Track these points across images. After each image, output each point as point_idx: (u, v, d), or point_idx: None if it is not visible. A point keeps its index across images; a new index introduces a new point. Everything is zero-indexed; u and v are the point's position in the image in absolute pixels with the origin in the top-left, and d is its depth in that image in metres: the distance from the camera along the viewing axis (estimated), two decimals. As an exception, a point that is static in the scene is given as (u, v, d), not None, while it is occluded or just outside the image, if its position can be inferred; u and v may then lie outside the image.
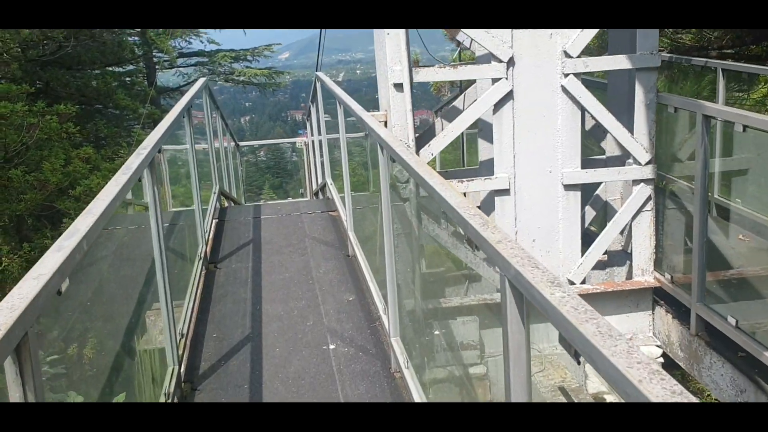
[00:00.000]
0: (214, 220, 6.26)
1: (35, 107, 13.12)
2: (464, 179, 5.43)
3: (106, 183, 2.37)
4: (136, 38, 20.24)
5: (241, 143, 12.73)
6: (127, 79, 19.57)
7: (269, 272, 5.01)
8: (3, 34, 12.98)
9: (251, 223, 6.33)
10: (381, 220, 3.40)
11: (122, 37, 18.54)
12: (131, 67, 20.22)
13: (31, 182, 12.89)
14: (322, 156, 8.82)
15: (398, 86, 5.12)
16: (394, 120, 5.17)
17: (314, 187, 11.32)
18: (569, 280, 5.50)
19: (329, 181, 7.20)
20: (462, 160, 8.16)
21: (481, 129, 5.86)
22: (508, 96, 5.26)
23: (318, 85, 7.64)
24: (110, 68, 18.53)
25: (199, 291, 4.60)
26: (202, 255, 4.96)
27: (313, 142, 11.22)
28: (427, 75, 5.33)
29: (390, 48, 5.08)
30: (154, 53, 20.62)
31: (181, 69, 23.09)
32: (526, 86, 5.26)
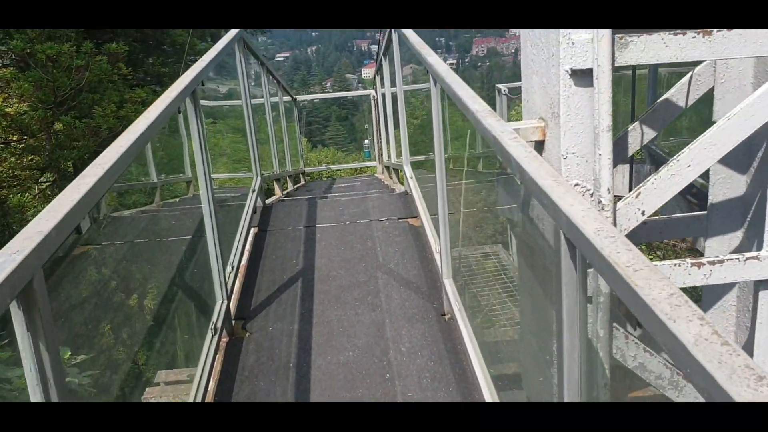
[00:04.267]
0: (252, 230, 4.58)
1: (83, 48, 11.97)
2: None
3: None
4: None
5: (299, 97, 10.79)
6: (185, 12, 18.10)
7: (323, 348, 3.26)
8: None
9: (302, 236, 4.62)
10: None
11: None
12: (189, -2, 18.73)
13: (82, 129, 11.87)
14: (396, 119, 6.91)
15: (581, 75, 2.29)
16: (565, 144, 2.37)
17: (384, 155, 9.47)
18: None
19: (408, 172, 5.31)
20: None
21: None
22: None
23: (394, 37, 5.42)
24: (166, 1, 17.11)
25: (211, 384, 2.93)
26: (222, 313, 3.25)
27: (383, 95, 9.29)
28: (647, 48, 2.23)
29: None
30: (212, -16, 18.99)
31: None
32: None
